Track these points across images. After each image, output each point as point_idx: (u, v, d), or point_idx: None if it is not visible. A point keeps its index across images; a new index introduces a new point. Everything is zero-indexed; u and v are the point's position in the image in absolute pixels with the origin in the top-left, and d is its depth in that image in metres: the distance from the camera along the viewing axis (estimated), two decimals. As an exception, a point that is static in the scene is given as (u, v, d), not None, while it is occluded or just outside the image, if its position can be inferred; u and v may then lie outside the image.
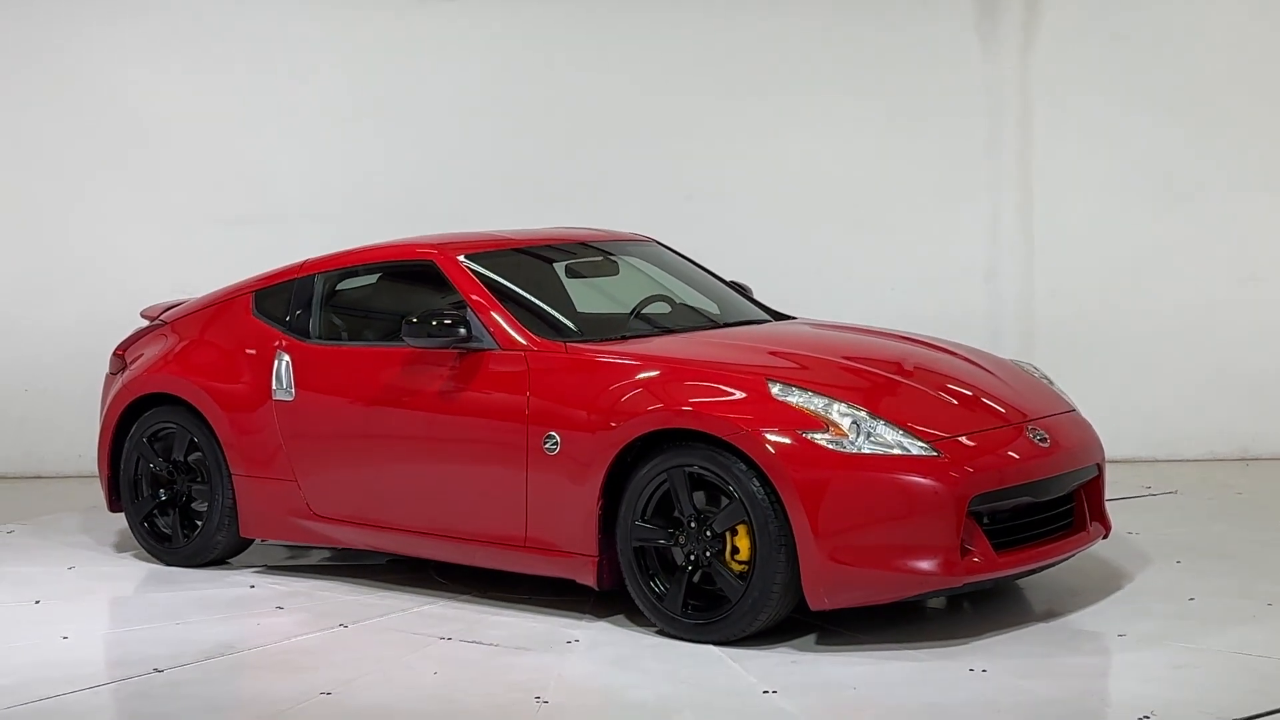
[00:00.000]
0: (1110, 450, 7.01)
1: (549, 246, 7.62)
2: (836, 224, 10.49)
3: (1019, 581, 6.75)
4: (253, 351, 7.48)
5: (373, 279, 7.49)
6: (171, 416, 7.64)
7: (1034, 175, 10.40)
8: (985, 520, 6.22)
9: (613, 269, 7.72)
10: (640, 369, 6.49)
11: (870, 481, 6.00)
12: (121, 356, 8.04)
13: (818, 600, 6.05)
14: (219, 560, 7.64)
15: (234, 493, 7.43)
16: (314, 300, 7.43)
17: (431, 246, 7.24)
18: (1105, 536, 6.81)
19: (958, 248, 10.45)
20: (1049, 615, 6.49)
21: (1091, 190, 10.35)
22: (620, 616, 6.56)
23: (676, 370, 6.44)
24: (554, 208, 9.76)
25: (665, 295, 7.62)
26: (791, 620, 6.21)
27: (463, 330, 6.79)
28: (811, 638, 6.26)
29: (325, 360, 7.27)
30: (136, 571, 7.65)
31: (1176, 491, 9.13)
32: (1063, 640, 6.18)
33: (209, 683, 5.88)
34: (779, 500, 6.03)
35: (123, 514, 7.88)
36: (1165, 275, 10.29)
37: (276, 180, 10.44)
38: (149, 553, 7.78)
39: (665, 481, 6.30)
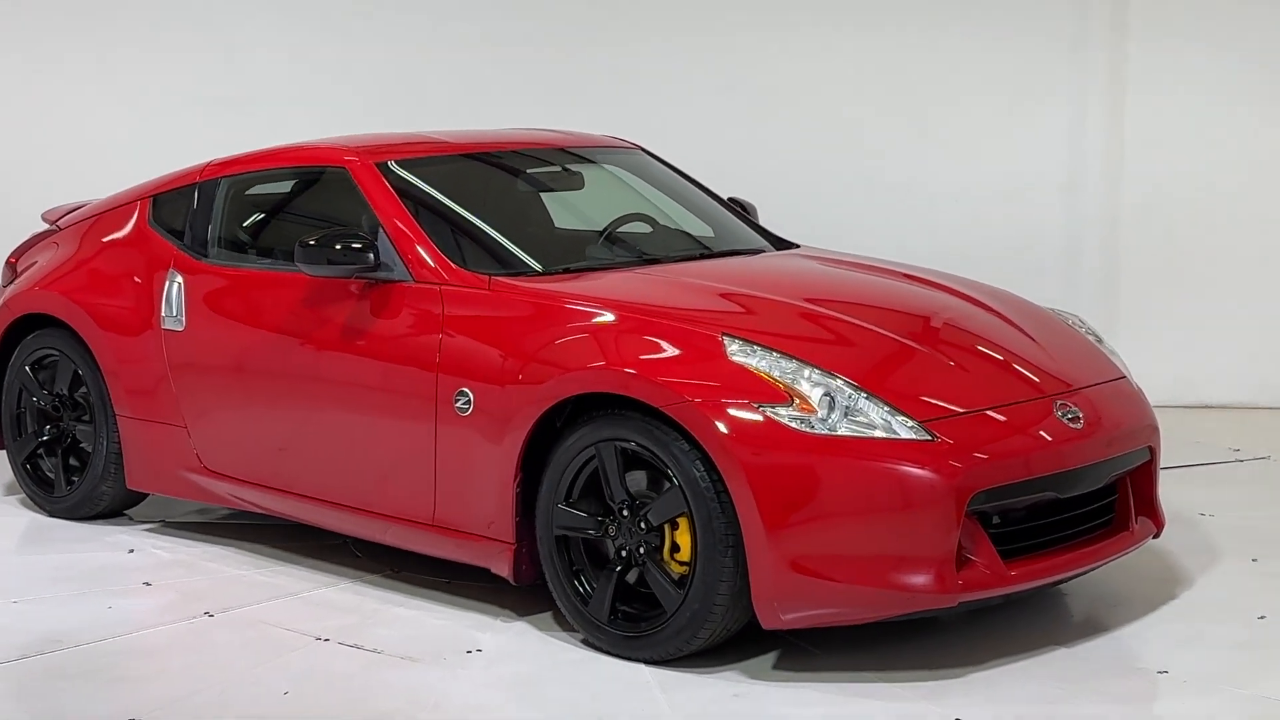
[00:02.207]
0: (1200, 395, 5.63)
1: (500, 152, 6.32)
2: (891, 128, 9.09)
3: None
4: (143, 269, 6.30)
5: (285, 188, 6.25)
6: (55, 341, 6.50)
7: (1126, 71, 8.98)
8: (994, 521, 4.91)
9: (575, 181, 6.42)
10: (574, 314, 5.22)
11: (842, 470, 4.70)
12: (13, 266, 6.90)
13: (770, 617, 4.79)
14: (111, 513, 6.51)
15: (119, 437, 6.30)
16: (215, 211, 6.22)
17: (349, 150, 5.97)
18: (1156, 536, 5.46)
19: (1033, 155, 9.10)
20: (1075, 637, 5.17)
21: (1194, 89, 8.92)
22: (547, 616, 5.35)
23: (618, 317, 5.15)
24: (569, 105, 8.45)
25: (645, 215, 6.33)
26: (754, 631, 4.95)
27: (371, 256, 5.55)
28: (771, 658, 5.01)
29: (221, 285, 6.06)
30: (14, 523, 6.55)
31: (1269, 458, 7.69)
32: (1084, 677, 4.85)
33: None
34: (727, 489, 4.77)
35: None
36: (1277, 190, 8.85)
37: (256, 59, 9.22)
38: (31, 499, 6.67)
39: (595, 457, 5.06)
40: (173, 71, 9.17)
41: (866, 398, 4.82)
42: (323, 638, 5.18)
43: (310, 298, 5.75)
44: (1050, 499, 4.99)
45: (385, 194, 5.74)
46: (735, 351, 4.91)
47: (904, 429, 4.77)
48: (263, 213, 6.24)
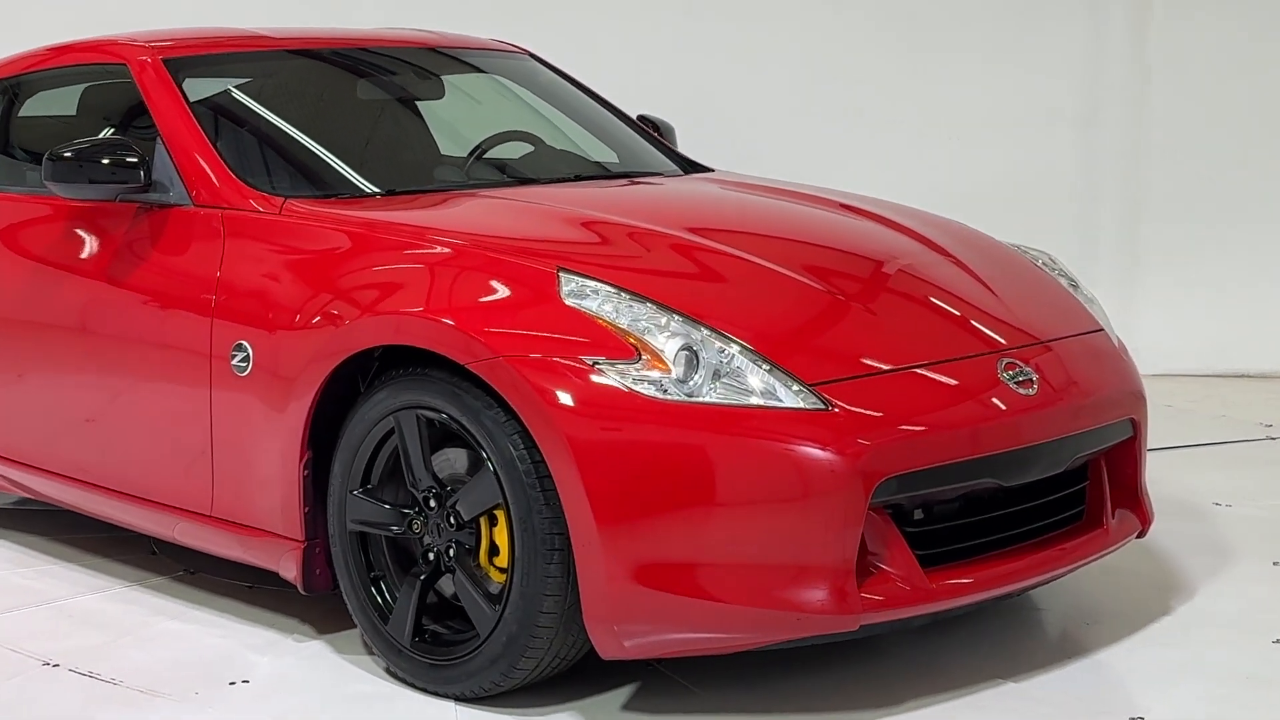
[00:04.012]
0: (1233, 363, 4.40)
1: (339, 52, 5.09)
2: (876, 51, 7.79)
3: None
4: (-97, 198, 5.14)
5: (65, 95, 5.06)
6: None
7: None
8: (914, 518, 3.69)
9: (433, 89, 5.20)
10: (381, 244, 4.01)
11: (702, 449, 3.48)
12: None
13: (608, 644, 3.58)
14: (-122, 497, 5.40)
15: (-127, 404, 5.15)
16: (-16, 124, 5.06)
17: (132, 45, 4.77)
18: (1141, 534, 4.20)
19: (1043, 83, 7.79)
20: (1036, 666, 3.93)
21: (1227, 7, 7.65)
22: (355, 634, 4.16)
23: (436, 250, 3.94)
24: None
25: (527, 133, 5.12)
26: (604, 660, 3.75)
27: (141, 174, 4.36)
28: (626, 694, 3.81)
29: (-16, 214, 4.91)
30: None
31: (1304, 436, 6.42)
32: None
33: None
34: (551, 474, 3.57)
35: None
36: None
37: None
38: None
39: (394, 430, 3.87)
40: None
41: (742, 352, 3.60)
42: (51, 662, 4.01)
43: (70, 228, 4.57)
44: (991, 488, 3.76)
45: (169, 97, 4.54)
46: (571, 292, 3.70)
47: (789, 394, 3.55)
48: (35, 127, 5.05)
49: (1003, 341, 3.95)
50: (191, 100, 4.55)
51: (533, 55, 5.51)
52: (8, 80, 5.05)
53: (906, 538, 3.61)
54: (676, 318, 3.64)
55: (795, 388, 3.55)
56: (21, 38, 5.44)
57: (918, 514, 3.69)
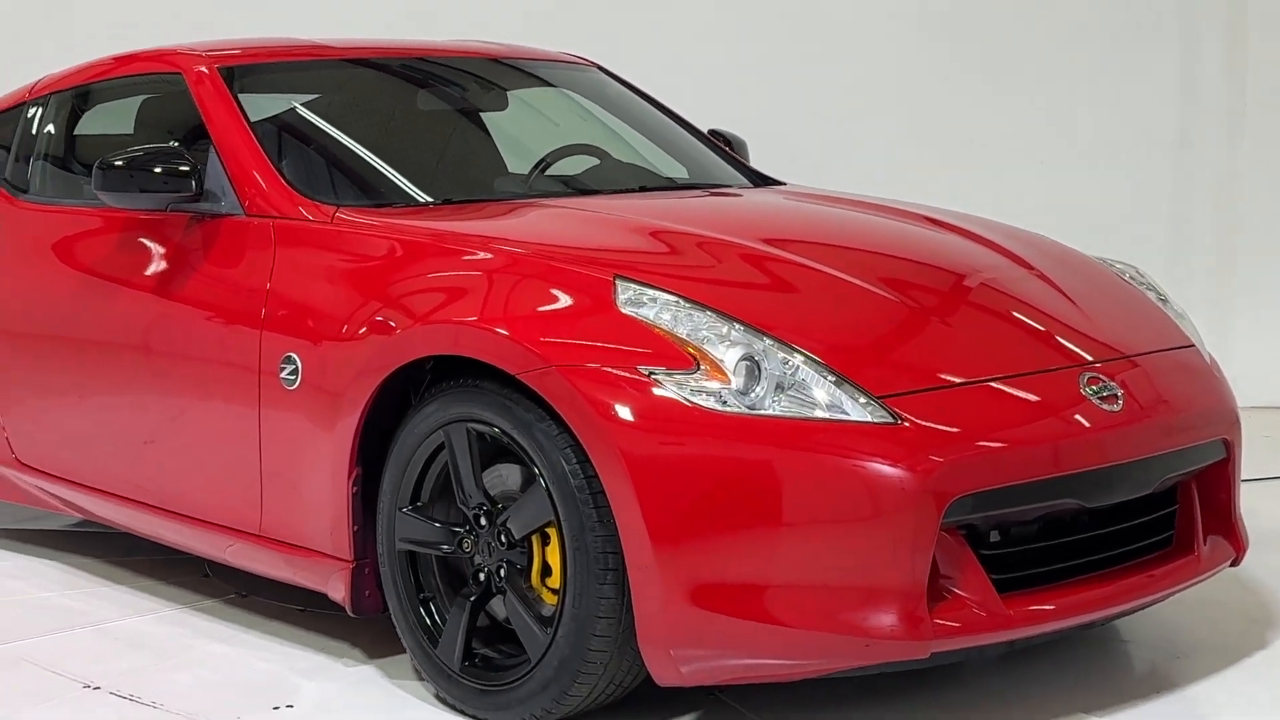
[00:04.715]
0: None
1: (403, 62, 4.96)
2: (960, 73, 7.58)
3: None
4: (-41, 213, 5.07)
5: (124, 105, 4.95)
6: None
7: (1248, 6, 7.42)
8: (990, 540, 3.48)
9: (497, 101, 5.06)
10: (435, 252, 3.86)
11: (764, 464, 3.29)
12: None
13: (665, 670, 3.39)
14: (-66, 517, 5.31)
15: (-70, 421, 5.07)
16: (39, 137, 4.97)
17: (189, 55, 4.66)
18: (1235, 563, 3.96)
19: (1135, 107, 7.55)
20: (1122, 700, 3.70)
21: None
22: (406, 659, 3.99)
23: (491, 257, 3.78)
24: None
25: (592, 146, 4.96)
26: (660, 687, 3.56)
27: (192, 183, 4.25)
28: (688, 721, 3.63)
29: (37, 227, 4.80)
30: None
31: None
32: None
33: None
34: (604, 489, 3.39)
35: None
36: None
37: None
38: None
39: (445, 445, 3.71)
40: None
41: (806, 363, 3.41)
42: (92, 684, 3.87)
43: (124, 241, 4.46)
44: (1073, 509, 3.54)
45: (222, 106, 4.42)
46: (628, 300, 3.52)
47: (856, 407, 3.35)
48: (92, 137, 4.96)
49: (1087, 356, 3.73)
50: (247, 110, 4.44)
51: (601, 68, 5.37)
52: (73, 90, 4.97)
53: (982, 560, 3.40)
54: (738, 327, 3.45)
55: (863, 400, 3.36)
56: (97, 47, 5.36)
57: (994, 536, 3.48)
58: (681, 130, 5.24)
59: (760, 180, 5.05)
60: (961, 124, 7.73)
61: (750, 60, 7.68)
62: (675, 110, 5.37)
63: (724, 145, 5.27)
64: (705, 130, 5.32)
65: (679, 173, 5.04)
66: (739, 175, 5.05)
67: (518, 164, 5.00)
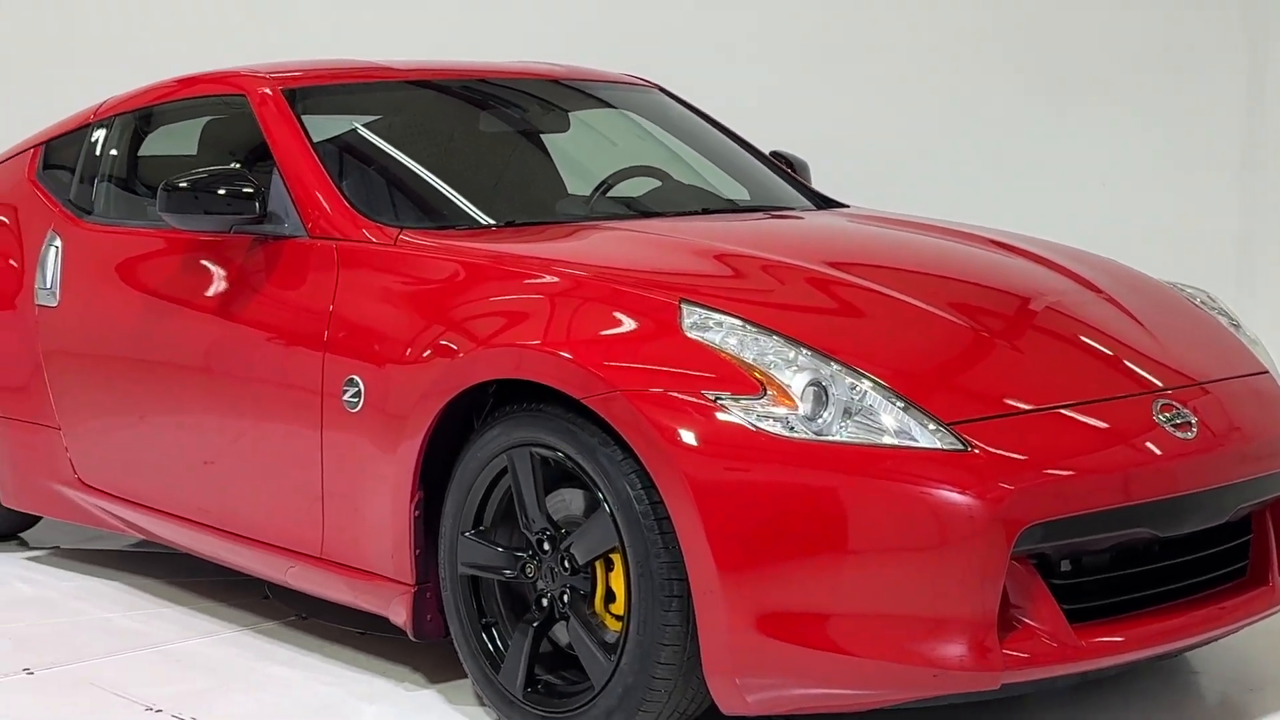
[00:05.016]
0: None
1: (463, 83, 4.94)
2: (1021, 94, 7.52)
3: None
4: (24, 232, 5.07)
5: (187, 127, 4.96)
6: (-69, 325, 5.32)
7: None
8: (1061, 569, 3.42)
9: (559, 123, 5.04)
10: (497, 276, 3.84)
11: (832, 491, 3.25)
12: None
13: (730, 698, 3.35)
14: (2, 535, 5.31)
15: (-6, 442, 5.08)
16: (103, 158, 4.98)
17: (253, 77, 4.66)
18: (1311, 595, 3.90)
19: (1199, 127, 7.44)
20: (1189, 733, 3.67)
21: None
22: (468, 683, 3.96)
23: (553, 281, 3.76)
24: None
25: (653, 168, 4.94)
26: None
27: (256, 205, 4.24)
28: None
29: (102, 248, 4.81)
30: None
31: None
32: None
33: None
34: (670, 515, 3.35)
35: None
36: None
37: None
38: (-92, 519, 5.50)
39: (508, 469, 3.69)
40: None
41: (874, 389, 3.36)
42: (154, 707, 3.86)
43: (187, 262, 4.46)
44: (1145, 539, 3.48)
45: (286, 128, 4.42)
46: (693, 324, 3.49)
47: (924, 434, 3.31)
48: (155, 158, 4.97)
49: (1158, 383, 3.67)
50: (310, 132, 4.44)
51: (662, 89, 5.34)
52: (137, 112, 4.98)
53: (1053, 590, 3.35)
54: (805, 352, 3.42)
55: (932, 427, 3.31)
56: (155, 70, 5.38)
57: (1065, 565, 3.43)
58: (743, 152, 5.21)
59: (823, 202, 5.01)
60: (1025, 146, 7.66)
61: (811, 82, 7.64)
62: (737, 131, 5.35)
63: (786, 167, 5.23)
64: (767, 152, 5.29)
65: (740, 194, 5.01)
66: (801, 197, 5.01)
67: (577, 185, 4.99)
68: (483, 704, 3.83)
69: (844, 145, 7.22)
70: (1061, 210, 7.51)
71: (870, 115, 7.61)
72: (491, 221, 4.28)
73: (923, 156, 7.58)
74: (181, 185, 4.22)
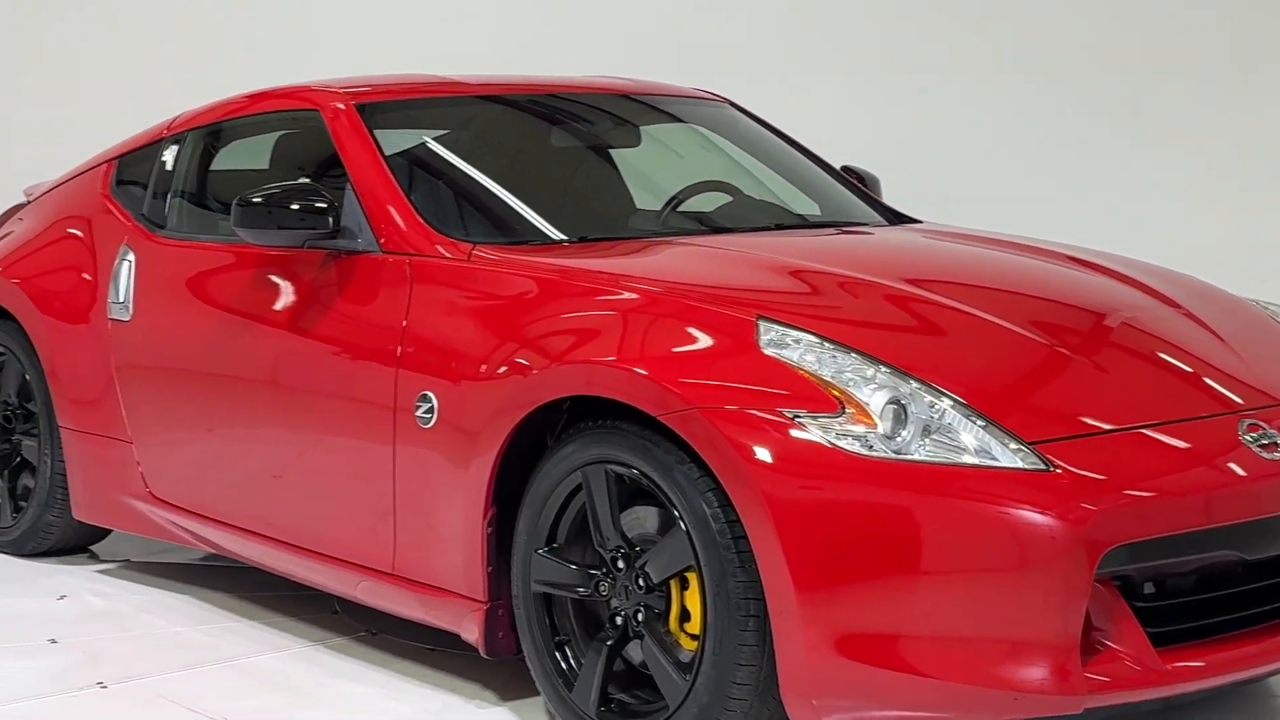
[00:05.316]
0: None
1: (535, 98, 4.92)
2: (1083, 103, 7.45)
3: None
4: (97, 247, 5.09)
5: (259, 142, 4.97)
6: (4, 338, 5.32)
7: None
8: (1145, 591, 3.37)
9: (630, 138, 5.02)
10: (573, 291, 3.82)
11: (912, 511, 3.22)
12: (-15, 247, 5.77)
13: (806, 719, 3.32)
14: (66, 549, 5.29)
15: (64, 455, 5.09)
16: (176, 173, 4.99)
17: (325, 91, 4.66)
18: (1400, 620, 3.82)
19: (1266, 137, 7.34)
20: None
21: None
22: (540, 701, 3.94)
23: (627, 297, 3.73)
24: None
25: (724, 183, 4.90)
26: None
27: (330, 220, 4.24)
28: (824, 774, 3.53)
29: (174, 262, 4.81)
30: (-44, 559, 5.40)
31: None
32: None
33: None
34: (746, 534, 3.32)
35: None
36: None
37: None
38: (-21, 530, 5.52)
39: (582, 486, 3.67)
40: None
41: (954, 407, 3.33)
42: (227, 722, 3.87)
43: (259, 277, 4.46)
44: (1232, 561, 3.42)
45: (359, 142, 4.42)
46: (771, 341, 3.46)
47: (1005, 453, 3.26)
48: (226, 172, 4.98)
49: (1240, 401, 3.61)
50: (384, 147, 4.44)
51: (732, 103, 5.31)
52: (205, 127, 4.99)
53: (1136, 613, 3.30)
54: (884, 369, 3.38)
55: (1014, 446, 3.27)
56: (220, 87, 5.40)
57: (1148, 587, 3.37)
58: (814, 166, 5.17)
59: (895, 218, 4.97)
60: (1098, 162, 7.58)
61: (882, 98, 7.60)
62: (807, 146, 5.31)
63: (857, 182, 5.20)
64: (838, 166, 5.25)
65: (811, 209, 4.98)
66: (873, 212, 4.97)
67: (645, 200, 4.97)
68: (559, 722, 3.80)
69: (910, 161, 7.18)
70: (1131, 226, 7.44)
71: (935, 131, 7.56)
72: (563, 237, 4.27)
73: (996, 173, 7.51)
74: (255, 200, 4.22)
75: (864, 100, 7.58)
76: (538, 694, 3.81)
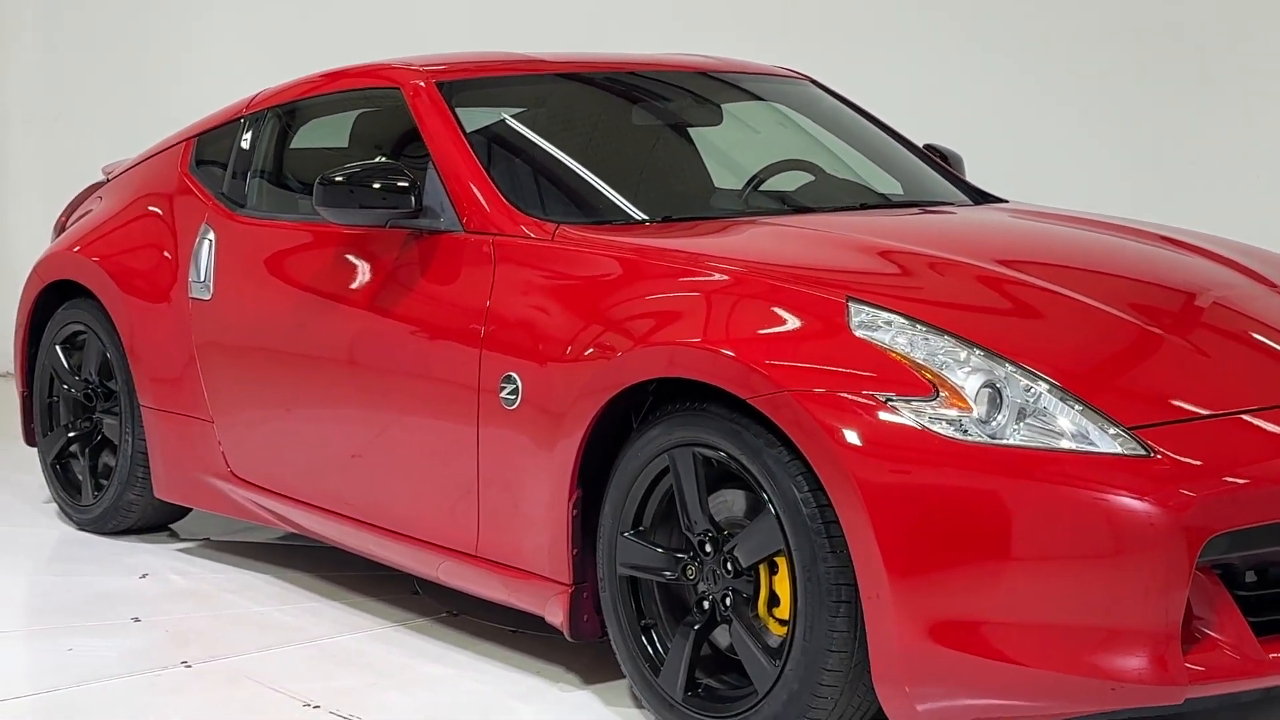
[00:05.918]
0: None
1: (615, 76, 4.87)
2: (1168, 87, 7.33)
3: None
4: (177, 225, 5.09)
5: (340, 120, 4.95)
6: (85, 315, 5.34)
7: None
8: (1246, 580, 3.30)
9: (712, 116, 4.96)
10: (657, 273, 3.77)
11: (1007, 496, 3.16)
12: (63, 226, 5.77)
13: (899, 708, 3.26)
14: (147, 527, 5.31)
15: (145, 434, 5.10)
16: (256, 151, 4.98)
17: (406, 69, 4.63)
18: None
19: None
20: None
21: None
22: (624, 685, 3.91)
23: (712, 278, 3.68)
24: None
25: (806, 162, 4.85)
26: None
27: (412, 199, 4.21)
28: (914, 762, 3.49)
29: (254, 241, 4.80)
30: (41, 536, 5.40)
31: None
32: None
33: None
34: (838, 519, 3.28)
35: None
36: None
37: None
38: (60, 507, 5.51)
39: (669, 469, 3.63)
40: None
41: (1050, 390, 3.27)
42: (312, 703, 3.84)
43: (339, 256, 4.44)
44: (1336, 548, 3.35)
45: (441, 121, 4.38)
46: (861, 323, 3.41)
47: (1104, 438, 3.20)
48: (305, 151, 4.96)
49: (1343, 383, 3.53)
50: (465, 124, 4.40)
51: (814, 81, 5.25)
52: (284, 106, 4.97)
53: (1238, 603, 3.23)
54: (978, 352, 3.32)
55: (1113, 431, 3.20)
56: (296, 66, 5.38)
57: (1250, 576, 3.30)
58: (896, 145, 5.10)
59: (980, 197, 4.89)
60: (1178, 143, 7.45)
61: (961, 75, 7.50)
62: (889, 124, 5.24)
63: (940, 160, 5.12)
64: (921, 145, 5.18)
65: (893, 189, 4.91)
66: (957, 192, 4.90)
67: (724, 179, 4.91)
68: (640, 706, 3.77)
69: (992, 139, 7.09)
70: (1211, 203, 7.31)
71: (1019, 109, 7.45)
72: (646, 217, 4.23)
73: (1074, 155, 7.39)
74: (337, 179, 4.20)
75: (947, 78, 7.48)
76: (622, 677, 3.79)
